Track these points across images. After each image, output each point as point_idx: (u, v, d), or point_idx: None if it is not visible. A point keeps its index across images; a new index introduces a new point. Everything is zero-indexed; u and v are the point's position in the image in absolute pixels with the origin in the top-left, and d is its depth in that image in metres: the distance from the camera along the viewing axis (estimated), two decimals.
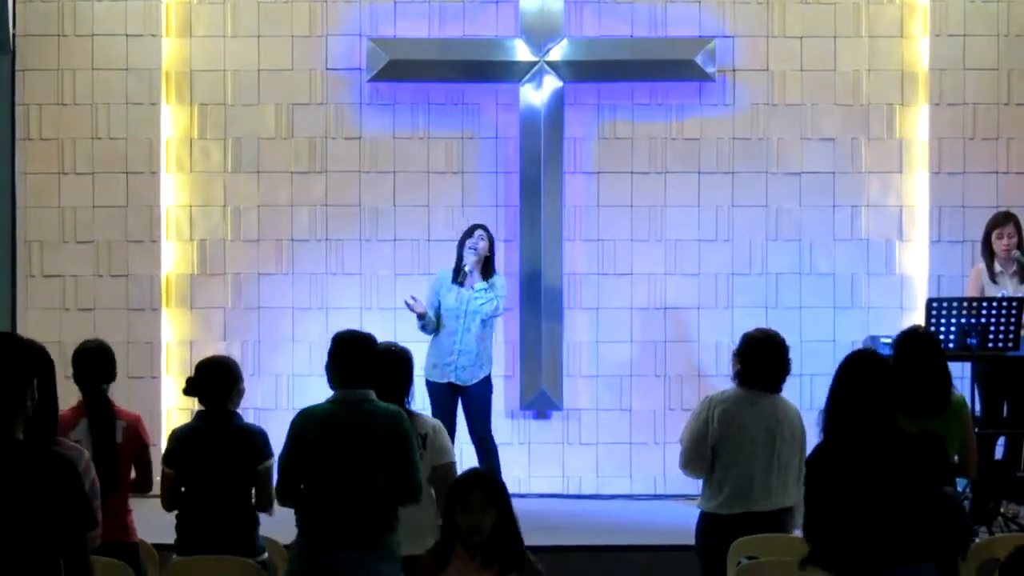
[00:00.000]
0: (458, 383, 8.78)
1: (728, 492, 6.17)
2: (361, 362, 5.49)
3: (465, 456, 8.87)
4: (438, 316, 8.85)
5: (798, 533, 5.88)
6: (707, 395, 6.45)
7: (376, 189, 9.95)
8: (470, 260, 8.81)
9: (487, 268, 8.91)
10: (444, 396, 8.78)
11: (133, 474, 6.31)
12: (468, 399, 8.82)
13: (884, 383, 5.14)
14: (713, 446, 6.21)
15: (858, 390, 5.11)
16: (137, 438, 6.27)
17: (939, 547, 5.11)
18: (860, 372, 5.16)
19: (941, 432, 5.88)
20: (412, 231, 9.92)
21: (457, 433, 8.82)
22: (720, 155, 9.94)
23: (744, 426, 6.20)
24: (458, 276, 8.83)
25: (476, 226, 8.98)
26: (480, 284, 8.82)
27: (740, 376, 6.27)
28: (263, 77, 9.93)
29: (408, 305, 8.79)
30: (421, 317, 8.79)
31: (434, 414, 8.61)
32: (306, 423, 5.46)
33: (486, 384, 8.89)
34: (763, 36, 9.95)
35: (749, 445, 6.18)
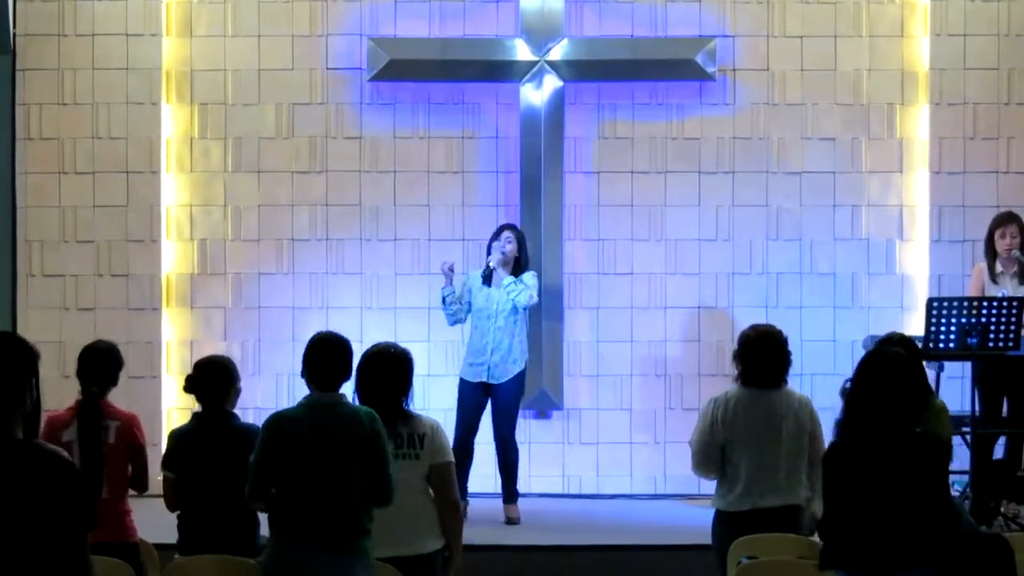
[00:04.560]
0: (491, 381, 8.80)
1: (739, 490, 6.22)
2: (335, 365, 5.49)
3: (483, 455, 8.89)
4: (468, 314, 8.93)
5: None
6: (711, 397, 6.46)
7: (376, 189, 9.95)
8: (495, 258, 8.83)
9: (517, 268, 8.92)
10: (475, 395, 8.81)
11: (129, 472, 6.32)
12: (498, 398, 8.83)
13: (904, 384, 5.13)
14: (721, 447, 6.24)
15: (877, 390, 5.11)
16: (132, 437, 6.27)
17: (944, 552, 5.11)
18: (880, 372, 5.15)
19: None
20: (412, 231, 9.93)
21: (479, 432, 8.85)
22: (720, 155, 9.94)
23: (748, 425, 6.23)
24: (487, 277, 8.85)
25: (504, 227, 9.00)
26: (508, 279, 8.83)
27: (742, 377, 6.29)
28: (263, 77, 9.94)
29: (444, 269, 8.88)
30: (448, 284, 8.86)
31: (460, 413, 8.66)
32: (277, 426, 5.46)
33: (518, 382, 8.88)
34: (763, 36, 9.95)
35: (755, 443, 6.21)
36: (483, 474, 9.08)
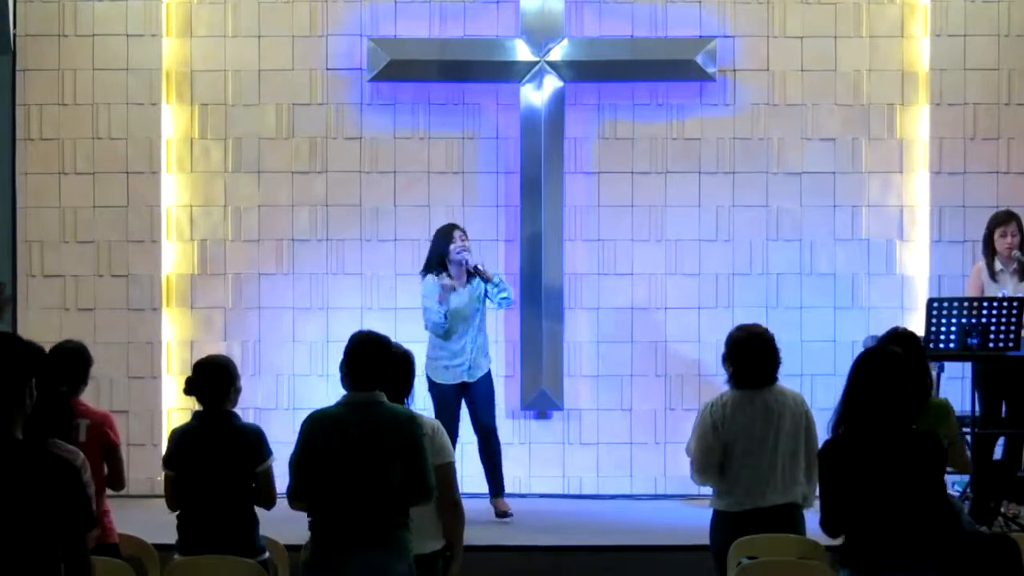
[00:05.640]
0: (469, 380, 8.85)
1: (738, 490, 6.20)
2: (376, 365, 5.48)
3: (467, 453, 8.91)
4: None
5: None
6: (706, 402, 6.44)
7: (376, 189, 9.95)
8: (475, 260, 8.85)
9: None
10: (452, 396, 8.83)
11: (105, 472, 6.31)
12: (474, 393, 8.88)
13: (900, 381, 5.13)
14: (721, 452, 6.22)
15: (873, 387, 5.11)
16: (103, 436, 6.26)
17: (943, 551, 5.12)
18: (876, 369, 5.15)
19: None
20: (412, 231, 9.92)
21: (460, 432, 8.86)
22: (720, 155, 9.94)
23: (746, 426, 6.21)
24: (447, 276, 8.85)
25: (454, 227, 8.97)
26: (496, 278, 8.90)
27: (734, 379, 6.28)
28: (263, 77, 9.94)
29: (444, 287, 8.80)
30: (441, 303, 8.79)
31: (439, 415, 8.65)
32: (317, 425, 5.44)
33: (490, 376, 8.99)
34: (763, 36, 9.95)
35: (755, 445, 6.20)
36: (479, 473, 9.06)
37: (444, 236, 8.92)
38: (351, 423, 5.39)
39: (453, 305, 8.84)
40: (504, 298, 8.97)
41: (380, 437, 5.36)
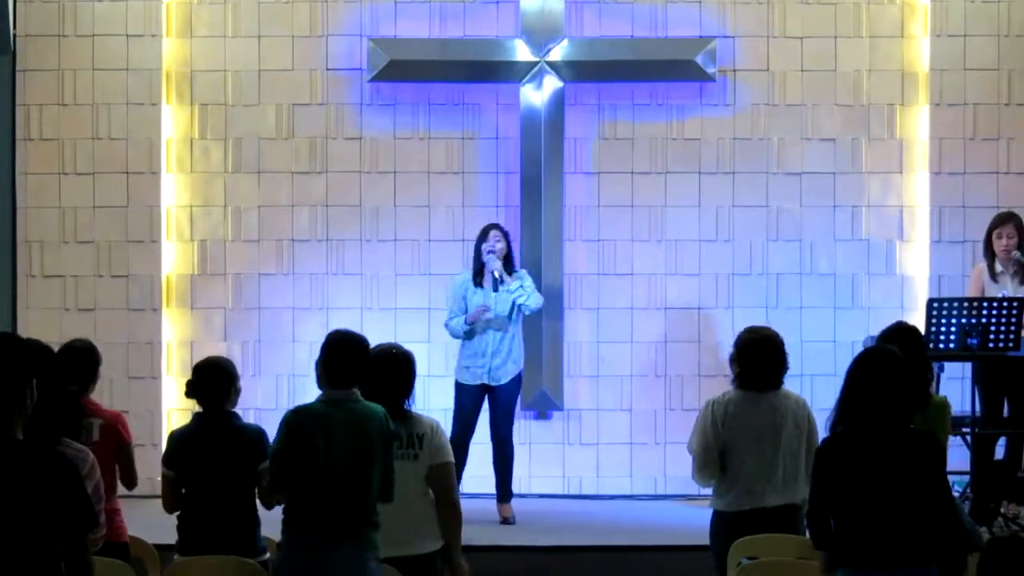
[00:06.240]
0: (491, 383, 8.83)
1: (737, 490, 6.21)
2: (353, 364, 5.49)
3: (481, 456, 8.90)
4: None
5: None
6: (708, 400, 6.45)
7: (376, 189, 9.95)
8: (496, 265, 8.82)
9: (507, 266, 8.92)
10: (474, 397, 8.84)
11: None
12: (497, 398, 8.87)
13: (898, 381, 5.14)
14: (721, 450, 6.23)
15: (871, 387, 5.12)
16: (116, 435, 6.26)
17: (942, 549, 5.12)
18: (874, 369, 5.16)
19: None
20: (412, 231, 9.93)
21: (475, 433, 8.86)
22: (720, 155, 9.95)
23: (748, 426, 6.22)
24: (479, 279, 8.85)
25: (491, 227, 8.98)
26: (515, 284, 8.85)
27: (740, 380, 6.28)
28: (263, 77, 9.94)
29: (478, 313, 8.81)
30: (471, 325, 8.81)
31: (458, 415, 8.68)
32: (298, 421, 5.46)
33: (517, 382, 8.97)
34: (763, 36, 9.95)
35: (756, 444, 6.20)
36: (480, 475, 9.07)
37: (481, 235, 8.96)
38: (333, 420, 5.41)
39: (474, 307, 8.86)
40: (523, 304, 8.92)
41: (360, 435, 5.38)
